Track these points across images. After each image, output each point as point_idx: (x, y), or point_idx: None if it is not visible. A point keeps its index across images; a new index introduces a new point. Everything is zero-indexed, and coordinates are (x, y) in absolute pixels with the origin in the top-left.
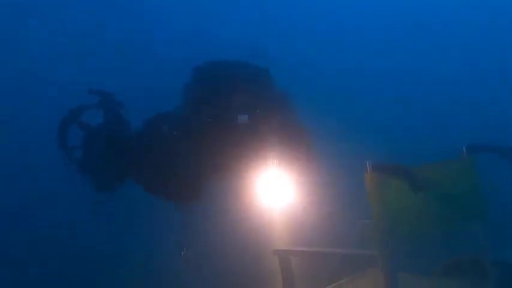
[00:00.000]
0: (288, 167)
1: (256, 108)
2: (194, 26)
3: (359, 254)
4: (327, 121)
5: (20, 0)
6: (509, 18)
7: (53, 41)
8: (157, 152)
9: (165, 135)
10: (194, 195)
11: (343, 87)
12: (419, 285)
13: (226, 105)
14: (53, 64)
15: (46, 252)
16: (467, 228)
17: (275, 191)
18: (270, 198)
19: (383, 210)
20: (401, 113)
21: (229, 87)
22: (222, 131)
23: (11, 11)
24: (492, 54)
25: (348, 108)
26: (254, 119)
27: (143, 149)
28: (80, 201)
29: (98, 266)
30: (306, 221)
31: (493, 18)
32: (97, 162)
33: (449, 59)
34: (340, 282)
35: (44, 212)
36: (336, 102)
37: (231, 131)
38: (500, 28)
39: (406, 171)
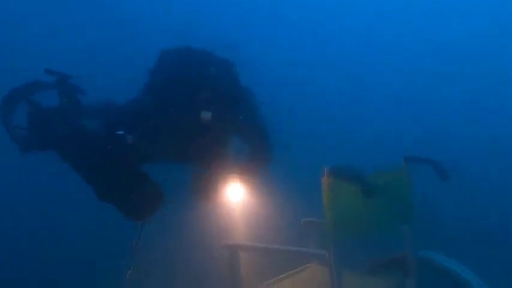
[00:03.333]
0: (245, 164)
1: (219, 106)
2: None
3: (305, 251)
4: (291, 122)
5: None
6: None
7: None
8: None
9: (120, 137)
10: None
11: (312, 89)
12: (353, 281)
13: (189, 101)
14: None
15: None
16: (397, 230)
17: (230, 187)
18: (225, 194)
19: (335, 213)
20: (365, 119)
21: (192, 81)
22: (182, 129)
23: None
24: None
25: (313, 110)
26: (216, 116)
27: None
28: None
29: None
30: (257, 218)
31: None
32: (42, 146)
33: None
34: (280, 276)
35: None
36: (302, 103)
37: (191, 129)
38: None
39: (361, 177)
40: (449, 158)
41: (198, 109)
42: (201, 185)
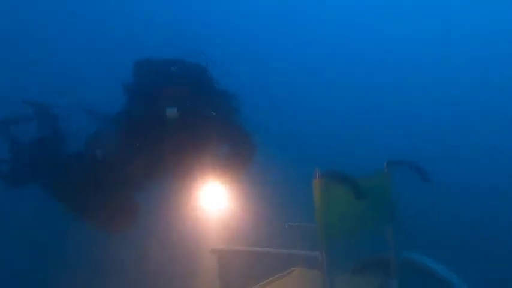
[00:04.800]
0: (226, 167)
1: (185, 103)
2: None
3: (296, 254)
4: (272, 124)
5: None
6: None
7: None
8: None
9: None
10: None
11: (292, 91)
12: (339, 281)
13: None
14: None
15: None
16: (382, 231)
17: (213, 191)
18: (208, 198)
19: (326, 214)
20: (351, 119)
21: (162, 86)
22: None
23: None
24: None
25: (295, 111)
26: (185, 113)
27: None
28: None
29: None
30: (243, 222)
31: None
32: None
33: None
34: (266, 281)
35: None
36: (282, 106)
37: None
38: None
39: (352, 180)
40: (431, 161)
41: (164, 107)
42: (188, 188)
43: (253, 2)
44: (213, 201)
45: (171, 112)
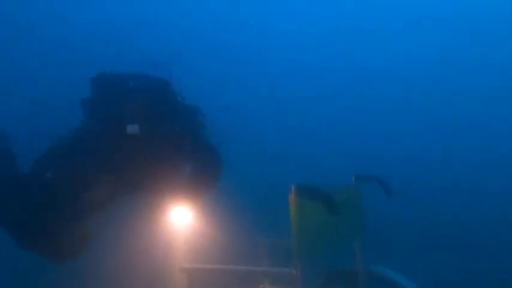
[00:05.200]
0: (192, 184)
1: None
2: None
3: (269, 270)
4: (239, 139)
5: None
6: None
7: None
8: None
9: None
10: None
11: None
12: None
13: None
14: None
15: None
16: (351, 245)
17: (179, 209)
18: (174, 217)
19: (302, 230)
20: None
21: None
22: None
23: None
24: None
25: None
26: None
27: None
28: None
29: None
30: (211, 239)
31: None
32: None
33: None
34: None
35: None
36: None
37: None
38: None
39: (327, 195)
40: (396, 175)
41: (125, 124)
42: (152, 207)
43: (221, 8)
44: (180, 219)
45: (132, 129)
